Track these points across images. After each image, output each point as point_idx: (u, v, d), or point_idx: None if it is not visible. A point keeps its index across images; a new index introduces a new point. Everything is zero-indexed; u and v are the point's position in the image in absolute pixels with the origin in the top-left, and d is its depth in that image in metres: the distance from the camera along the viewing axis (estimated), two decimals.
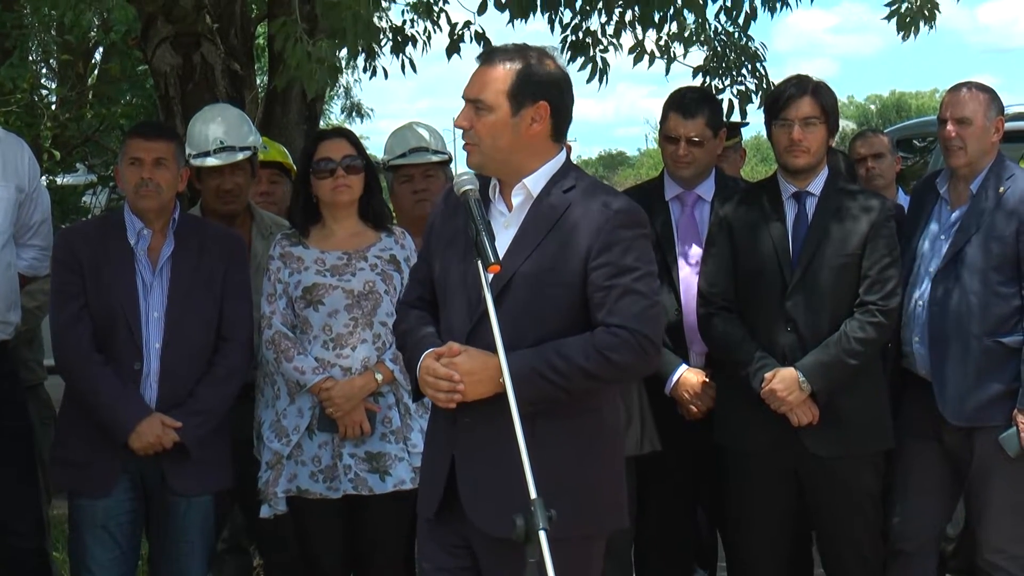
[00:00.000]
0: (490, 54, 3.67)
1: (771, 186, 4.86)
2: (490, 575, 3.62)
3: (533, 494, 3.11)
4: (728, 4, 7.40)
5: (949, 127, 4.81)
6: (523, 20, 6.84)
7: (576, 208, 3.57)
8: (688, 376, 4.97)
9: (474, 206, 3.49)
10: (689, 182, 5.12)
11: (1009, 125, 5.04)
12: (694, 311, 4.89)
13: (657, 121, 5.26)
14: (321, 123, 8.31)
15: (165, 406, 4.59)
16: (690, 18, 7.07)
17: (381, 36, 7.18)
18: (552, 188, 3.62)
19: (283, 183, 5.79)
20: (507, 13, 6.72)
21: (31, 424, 5.16)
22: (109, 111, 11.68)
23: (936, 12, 6.82)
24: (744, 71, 7.45)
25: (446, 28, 7.41)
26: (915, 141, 8.75)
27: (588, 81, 7.18)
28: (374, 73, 8.03)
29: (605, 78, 7.20)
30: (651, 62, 7.25)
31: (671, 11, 6.96)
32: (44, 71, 15.22)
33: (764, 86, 7.33)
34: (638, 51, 7.20)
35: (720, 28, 7.51)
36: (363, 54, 7.55)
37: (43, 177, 6.99)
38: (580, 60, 7.19)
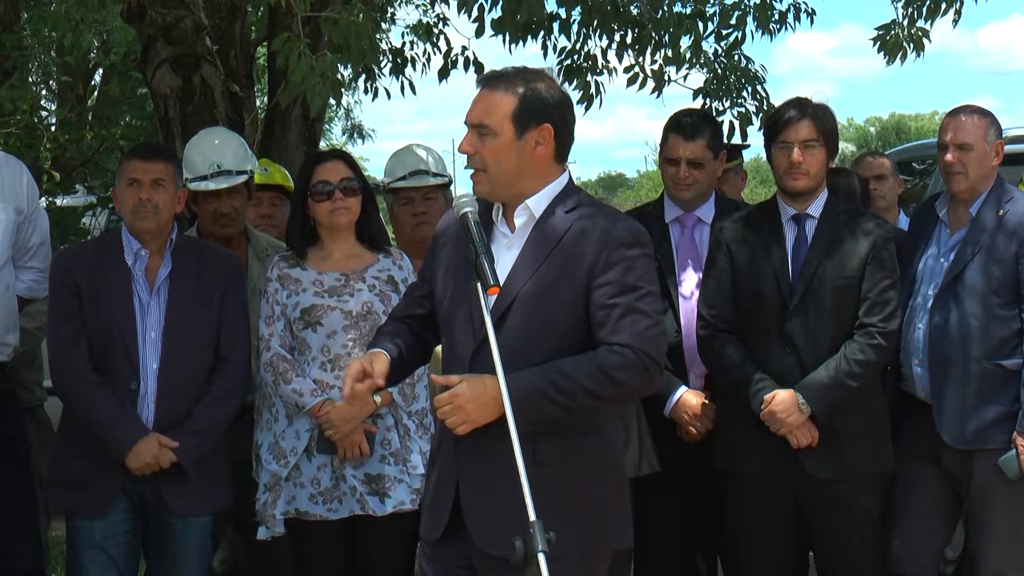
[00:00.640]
0: (491, 78, 3.67)
1: (771, 208, 4.86)
2: None
3: (532, 516, 3.10)
4: (717, 27, 7.42)
5: (949, 155, 4.80)
6: (522, 43, 6.87)
7: (579, 228, 3.57)
8: (688, 398, 4.96)
9: (473, 228, 3.50)
10: (689, 204, 5.12)
11: (1008, 148, 5.04)
12: (694, 333, 4.89)
13: (656, 143, 5.28)
14: (322, 144, 8.33)
15: (162, 426, 4.58)
16: (685, 41, 7.09)
17: (381, 57, 7.21)
18: (555, 209, 3.62)
19: (284, 206, 5.78)
20: (502, 37, 6.73)
21: (30, 445, 5.16)
22: (109, 132, 11.68)
23: (925, 41, 6.83)
24: (744, 93, 7.47)
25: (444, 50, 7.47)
26: (915, 164, 8.73)
27: (579, 103, 7.20)
28: (376, 95, 8.07)
29: (600, 100, 7.25)
30: (642, 85, 7.28)
31: (666, 35, 6.98)
32: (44, 92, 15.28)
33: (765, 108, 7.34)
34: (633, 73, 7.23)
35: (720, 51, 7.54)
36: (363, 75, 7.59)
37: (42, 198, 7.00)
38: (574, 83, 7.23)
